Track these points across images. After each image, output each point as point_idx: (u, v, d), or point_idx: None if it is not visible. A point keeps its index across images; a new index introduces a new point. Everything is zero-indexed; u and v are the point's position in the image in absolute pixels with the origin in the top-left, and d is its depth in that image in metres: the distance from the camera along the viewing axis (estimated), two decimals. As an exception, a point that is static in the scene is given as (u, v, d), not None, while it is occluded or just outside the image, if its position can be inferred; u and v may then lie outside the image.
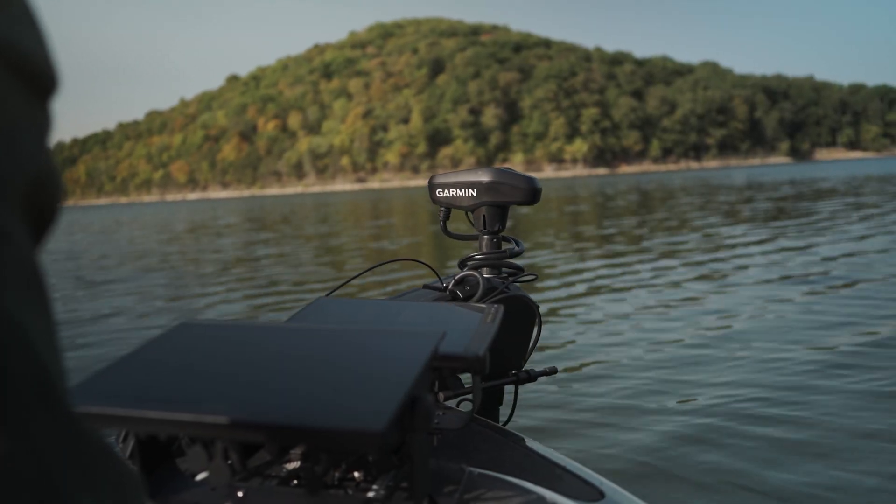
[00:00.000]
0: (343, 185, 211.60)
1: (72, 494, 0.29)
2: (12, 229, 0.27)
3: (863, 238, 7.96)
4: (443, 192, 1.36)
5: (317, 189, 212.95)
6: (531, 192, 1.30)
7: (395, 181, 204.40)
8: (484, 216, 1.33)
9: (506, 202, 1.31)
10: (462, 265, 1.31)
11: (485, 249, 1.33)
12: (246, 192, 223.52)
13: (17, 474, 0.26)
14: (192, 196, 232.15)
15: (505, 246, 1.34)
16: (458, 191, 1.34)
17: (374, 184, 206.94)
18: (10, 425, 0.26)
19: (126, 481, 0.33)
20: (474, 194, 1.32)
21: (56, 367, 0.29)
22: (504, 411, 1.27)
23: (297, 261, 9.49)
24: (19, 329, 0.27)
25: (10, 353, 0.27)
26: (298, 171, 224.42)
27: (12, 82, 0.29)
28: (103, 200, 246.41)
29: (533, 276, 1.31)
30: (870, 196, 15.92)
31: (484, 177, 1.31)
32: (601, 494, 0.72)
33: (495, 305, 0.91)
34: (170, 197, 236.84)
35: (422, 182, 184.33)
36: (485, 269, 1.31)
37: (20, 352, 0.27)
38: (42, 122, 0.31)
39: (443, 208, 1.40)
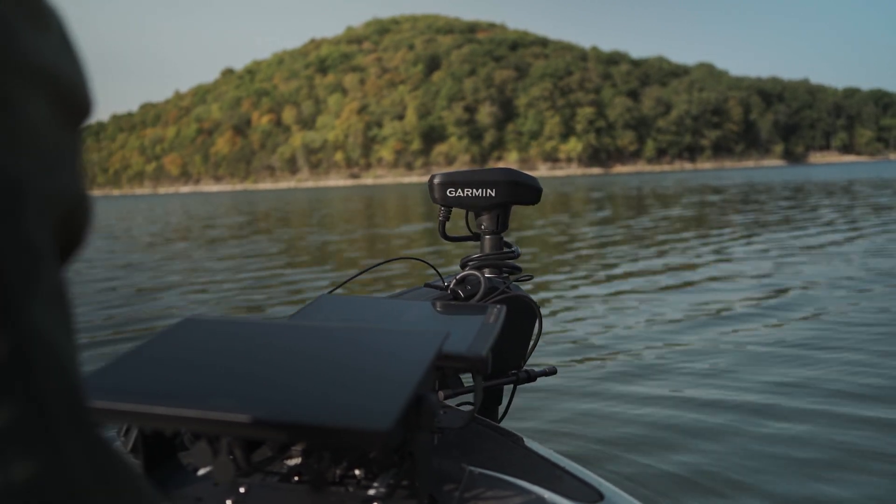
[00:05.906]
0: (336, 181, 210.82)
1: None
2: (50, 251, 0.28)
3: None
4: (455, 191, 1.29)
5: (310, 184, 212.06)
6: (537, 193, 1.30)
7: (389, 177, 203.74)
8: (499, 216, 1.30)
9: (513, 202, 1.30)
10: (465, 265, 1.30)
11: (488, 250, 1.30)
12: (239, 186, 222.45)
13: (45, 498, 0.25)
14: (185, 189, 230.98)
15: (505, 248, 1.32)
16: (475, 190, 1.28)
17: (367, 180, 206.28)
18: (45, 447, 0.25)
19: (148, 501, 0.34)
20: (493, 194, 1.27)
21: (83, 387, 0.29)
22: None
23: (298, 259, 9.16)
24: (54, 349, 0.27)
25: (49, 374, 0.26)
26: (292, 166, 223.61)
27: (56, 111, 0.30)
28: (96, 192, 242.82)
29: (529, 276, 1.31)
30: None
31: (501, 176, 1.28)
32: (600, 496, 0.72)
33: (498, 306, 0.90)
34: (162, 190, 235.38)
35: (416, 179, 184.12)
36: (485, 269, 1.29)
37: (56, 372, 0.27)
38: (78, 148, 0.32)
39: (443, 208, 1.34)
